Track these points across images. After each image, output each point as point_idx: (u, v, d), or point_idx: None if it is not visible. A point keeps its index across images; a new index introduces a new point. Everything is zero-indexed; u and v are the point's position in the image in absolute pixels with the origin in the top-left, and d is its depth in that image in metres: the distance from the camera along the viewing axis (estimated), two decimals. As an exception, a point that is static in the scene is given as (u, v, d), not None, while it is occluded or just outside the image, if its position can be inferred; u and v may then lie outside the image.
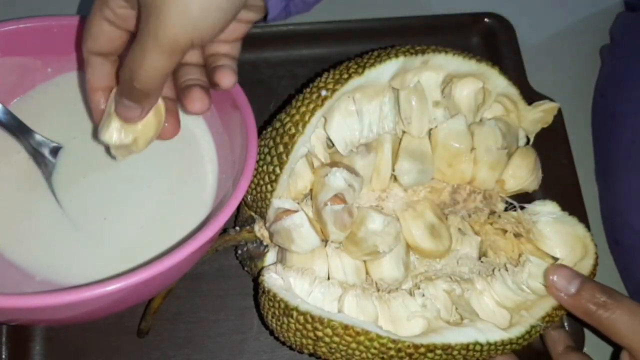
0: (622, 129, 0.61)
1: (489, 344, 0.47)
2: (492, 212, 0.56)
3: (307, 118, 0.48)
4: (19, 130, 0.55)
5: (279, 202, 0.50)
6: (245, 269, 0.56)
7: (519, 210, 0.55)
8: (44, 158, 0.56)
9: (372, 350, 0.45)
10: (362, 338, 0.45)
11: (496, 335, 0.48)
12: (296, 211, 0.49)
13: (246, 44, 0.65)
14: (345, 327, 0.45)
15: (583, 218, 0.59)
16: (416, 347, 0.46)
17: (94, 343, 0.56)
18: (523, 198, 0.56)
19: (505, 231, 0.54)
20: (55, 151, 0.56)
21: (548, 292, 0.49)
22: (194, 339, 0.57)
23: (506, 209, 0.56)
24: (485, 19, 0.69)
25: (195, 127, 0.59)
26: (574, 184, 0.62)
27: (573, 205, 0.57)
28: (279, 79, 0.66)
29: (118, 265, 0.52)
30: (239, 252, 0.56)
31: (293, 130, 0.48)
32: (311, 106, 0.48)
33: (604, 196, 0.64)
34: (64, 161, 0.56)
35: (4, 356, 0.54)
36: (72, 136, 0.57)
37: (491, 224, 0.55)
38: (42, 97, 0.59)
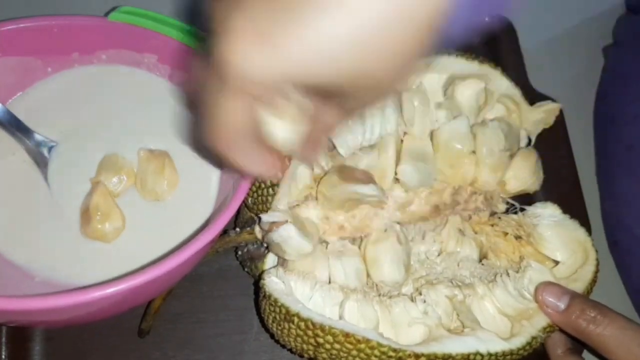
0: (622, 133, 0.61)
1: (490, 355, 0.47)
2: (493, 213, 0.56)
3: (309, 122, 0.48)
4: (19, 129, 0.54)
5: (266, 216, 0.49)
6: (246, 269, 0.56)
7: (519, 212, 0.55)
8: (43, 158, 0.55)
9: (373, 358, 0.45)
10: (363, 346, 0.45)
11: (497, 346, 0.48)
12: (285, 222, 0.49)
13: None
14: (347, 335, 0.45)
15: (584, 219, 0.59)
16: (417, 356, 0.46)
17: (94, 343, 0.56)
18: (524, 199, 0.56)
19: (506, 233, 0.54)
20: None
21: (540, 309, 0.50)
22: (194, 339, 0.57)
23: (507, 210, 0.56)
24: (486, 19, 0.68)
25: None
26: (575, 185, 0.62)
27: (574, 206, 0.57)
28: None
29: (119, 266, 0.52)
30: (239, 253, 0.55)
31: (295, 135, 0.48)
32: (314, 110, 0.48)
33: (603, 198, 0.64)
34: (61, 160, 0.56)
35: (3, 356, 0.54)
36: (71, 135, 0.57)
37: (492, 225, 0.55)
38: (40, 95, 0.58)
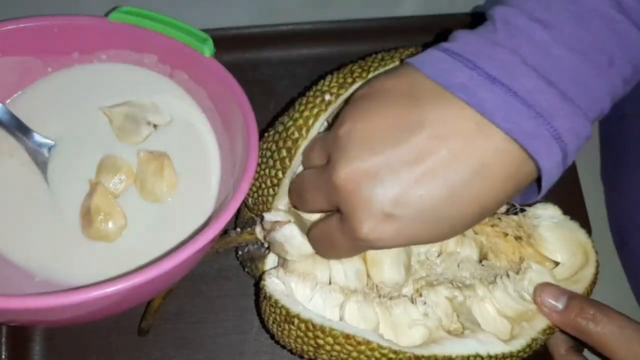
0: (632, 129, 0.61)
1: (490, 357, 0.47)
2: (493, 214, 0.56)
3: (310, 123, 0.48)
4: (18, 129, 0.54)
5: (269, 215, 0.50)
6: (246, 270, 0.56)
7: (520, 213, 0.55)
8: (43, 157, 0.55)
9: None
10: (363, 347, 0.45)
11: (497, 348, 0.47)
12: (287, 222, 0.49)
13: (246, 44, 0.66)
14: (347, 337, 0.45)
15: (584, 218, 0.59)
16: (417, 358, 0.46)
17: (94, 343, 0.56)
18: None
19: (506, 234, 0.54)
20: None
21: (539, 311, 0.49)
22: (194, 339, 0.57)
23: (507, 211, 0.56)
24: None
25: (201, 126, 0.59)
26: (576, 186, 0.62)
27: (574, 207, 0.57)
28: (279, 79, 0.66)
29: (118, 265, 0.52)
30: (240, 253, 0.55)
31: (296, 135, 0.48)
32: (315, 111, 0.48)
33: (611, 196, 0.63)
34: (61, 160, 0.56)
35: (3, 356, 0.54)
36: (70, 134, 0.57)
37: (492, 226, 0.55)
38: (39, 94, 0.58)
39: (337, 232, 0.44)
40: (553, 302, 0.48)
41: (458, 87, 0.39)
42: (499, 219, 0.55)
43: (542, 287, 0.49)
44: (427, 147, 0.39)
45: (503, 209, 0.56)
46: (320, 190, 0.44)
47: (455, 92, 0.39)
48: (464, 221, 0.42)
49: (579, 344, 0.50)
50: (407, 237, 0.42)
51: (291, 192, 0.50)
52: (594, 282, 0.51)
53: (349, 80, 0.48)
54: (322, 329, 0.45)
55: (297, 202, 0.49)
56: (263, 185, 0.50)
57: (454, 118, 0.39)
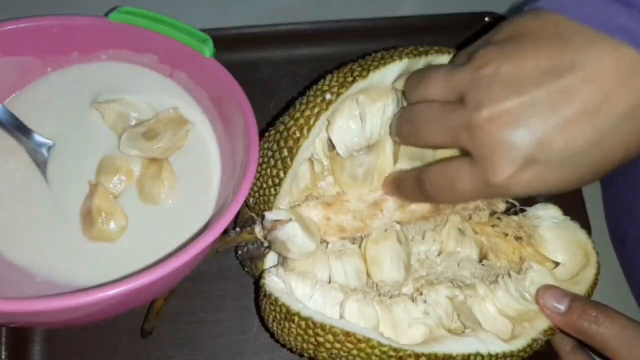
0: None
1: (490, 356, 0.47)
2: (494, 213, 0.56)
3: (312, 122, 0.48)
4: (18, 129, 0.54)
5: (271, 214, 0.50)
6: (246, 269, 0.56)
7: (520, 214, 0.55)
8: (43, 158, 0.55)
9: (374, 358, 0.45)
10: (363, 345, 0.45)
11: (498, 347, 0.47)
12: (289, 220, 0.49)
13: (246, 44, 0.66)
14: (347, 334, 0.45)
15: (584, 218, 0.59)
16: (417, 356, 0.46)
17: (94, 343, 0.56)
18: (524, 199, 0.56)
19: (506, 234, 0.54)
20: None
21: (542, 313, 0.50)
22: (194, 339, 0.57)
23: (507, 210, 0.56)
24: (486, 19, 0.68)
25: (202, 127, 0.59)
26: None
27: (575, 208, 0.57)
28: (279, 79, 0.66)
29: (120, 266, 0.52)
30: (240, 252, 0.55)
31: (298, 135, 0.48)
32: (316, 110, 0.48)
33: (609, 194, 0.63)
34: (60, 160, 0.56)
35: (3, 356, 0.54)
36: (69, 134, 0.57)
37: (493, 226, 0.55)
38: (39, 94, 0.58)
39: (465, 175, 0.43)
40: (556, 305, 0.48)
41: (617, 28, 0.38)
42: (499, 219, 0.55)
43: (545, 289, 0.49)
44: (578, 89, 0.38)
45: (503, 208, 0.56)
46: (447, 128, 0.43)
47: (614, 33, 0.38)
48: (607, 167, 0.41)
49: (582, 346, 0.51)
50: (544, 184, 0.41)
51: (402, 124, 0.48)
52: (595, 284, 0.51)
53: (350, 79, 0.48)
54: (323, 327, 0.45)
55: (409, 134, 0.47)
56: (264, 185, 0.50)
57: (608, 59, 0.38)
